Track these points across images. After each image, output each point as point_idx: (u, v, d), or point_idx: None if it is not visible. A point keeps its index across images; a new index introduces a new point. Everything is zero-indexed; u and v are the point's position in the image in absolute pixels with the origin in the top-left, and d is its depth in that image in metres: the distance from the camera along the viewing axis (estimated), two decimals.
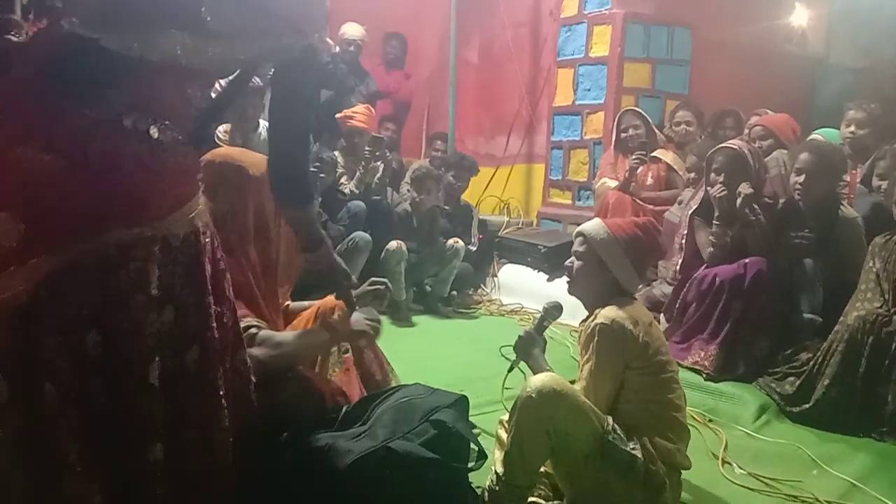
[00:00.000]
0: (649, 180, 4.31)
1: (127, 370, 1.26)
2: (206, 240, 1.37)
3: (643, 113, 4.45)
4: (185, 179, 1.34)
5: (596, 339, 1.83)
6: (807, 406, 2.69)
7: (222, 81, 1.60)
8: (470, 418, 1.87)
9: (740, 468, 2.27)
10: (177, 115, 1.30)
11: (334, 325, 1.83)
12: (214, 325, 1.36)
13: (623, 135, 4.42)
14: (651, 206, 4.11)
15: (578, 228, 2.02)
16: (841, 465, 2.33)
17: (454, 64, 5.80)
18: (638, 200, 4.17)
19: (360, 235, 4.08)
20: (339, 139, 4.73)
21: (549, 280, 4.38)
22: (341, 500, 1.51)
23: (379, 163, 4.57)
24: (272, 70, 1.47)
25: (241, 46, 1.29)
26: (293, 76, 1.43)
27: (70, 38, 1.18)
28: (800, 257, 3.05)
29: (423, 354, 3.39)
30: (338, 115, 4.69)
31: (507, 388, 2.01)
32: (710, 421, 2.66)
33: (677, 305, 3.29)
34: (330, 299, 1.97)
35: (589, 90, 5.02)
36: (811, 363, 2.75)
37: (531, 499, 1.87)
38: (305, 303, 2.07)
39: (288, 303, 2.05)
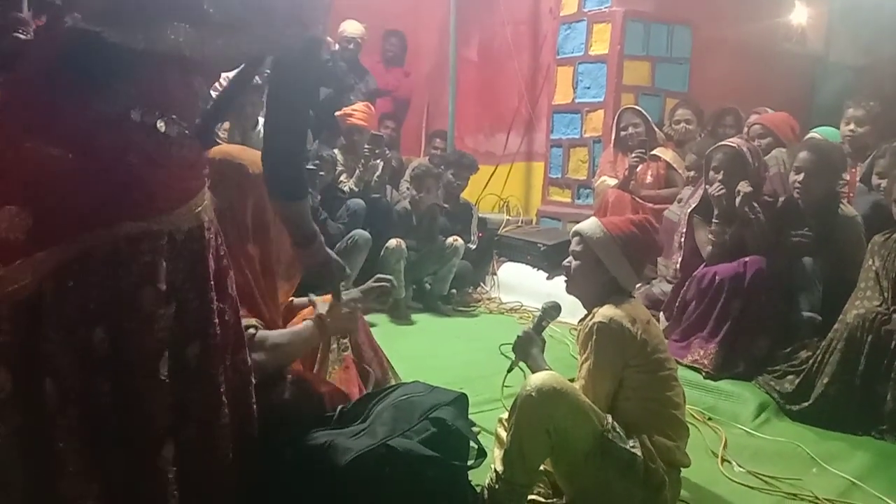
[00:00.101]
0: (649, 178, 4.31)
1: (137, 366, 1.26)
2: (211, 235, 1.37)
3: (643, 111, 4.45)
4: (191, 174, 1.34)
5: (594, 337, 1.84)
6: (806, 404, 2.70)
7: (224, 80, 1.60)
8: (469, 416, 1.87)
9: (740, 466, 2.27)
10: (183, 108, 1.30)
11: (323, 318, 1.82)
12: (216, 321, 1.36)
13: (623, 133, 4.42)
14: (650, 205, 4.11)
15: (575, 228, 2.02)
16: (840, 463, 2.33)
17: (454, 62, 5.80)
18: (637, 199, 4.17)
19: (360, 233, 4.07)
20: (339, 137, 4.73)
21: (548, 278, 4.39)
22: (341, 498, 1.51)
23: (378, 161, 4.57)
24: (272, 62, 1.46)
25: (244, 38, 1.29)
26: (294, 68, 1.42)
27: (74, 33, 1.18)
28: (799, 256, 3.05)
29: (423, 353, 3.39)
30: (337, 113, 4.69)
31: (506, 387, 2.01)
32: (710, 419, 2.66)
33: (677, 304, 3.29)
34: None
35: (588, 88, 5.01)
36: (811, 361, 2.76)
37: (531, 497, 1.87)
38: (307, 299, 2.06)
39: (291, 299, 2.05)
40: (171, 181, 1.29)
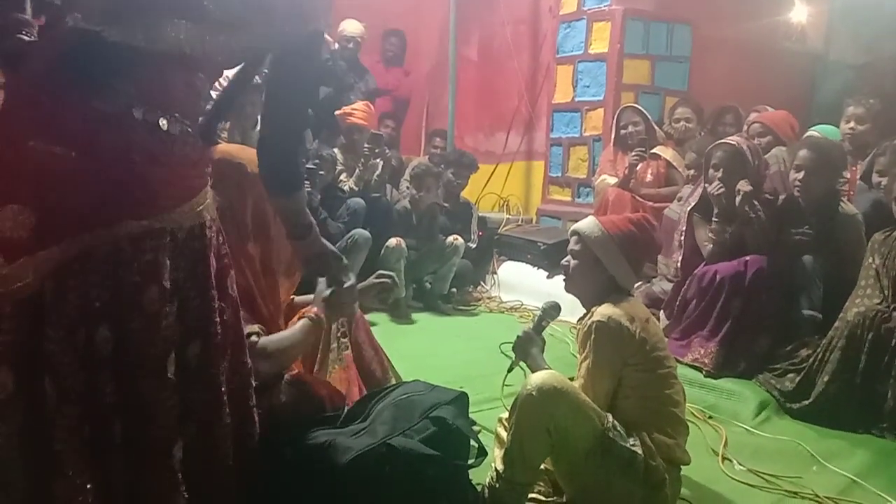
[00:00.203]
0: (649, 177, 4.31)
1: (143, 366, 1.25)
2: (213, 234, 1.37)
3: (643, 109, 4.45)
4: (194, 172, 1.34)
5: (593, 336, 1.84)
6: (806, 402, 2.70)
7: (225, 79, 1.59)
8: (470, 415, 1.87)
9: (740, 464, 2.27)
10: (185, 106, 1.30)
11: (319, 313, 1.81)
12: (217, 320, 1.36)
13: (622, 131, 4.41)
14: (651, 203, 4.11)
15: (573, 227, 2.03)
16: (840, 461, 2.33)
17: (453, 61, 5.80)
18: (637, 197, 4.17)
19: (360, 233, 4.07)
20: (339, 136, 4.73)
21: (548, 277, 4.39)
22: (341, 496, 1.51)
23: (378, 160, 4.57)
24: (272, 56, 1.46)
25: (245, 34, 1.29)
26: (294, 61, 1.42)
27: (75, 33, 1.18)
28: (800, 254, 3.05)
29: (423, 352, 3.39)
30: (337, 112, 4.69)
31: (507, 386, 2.01)
32: (710, 417, 2.66)
33: (677, 302, 3.29)
34: None
35: (588, 87, 5.01)
36: (811, 360, 2.76)
37: (531, 496, 1.87)
38: (310, 297, 2.06)
39: (292, 297, 2.04)
40: (173, 179, 1.29)
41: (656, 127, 4.49)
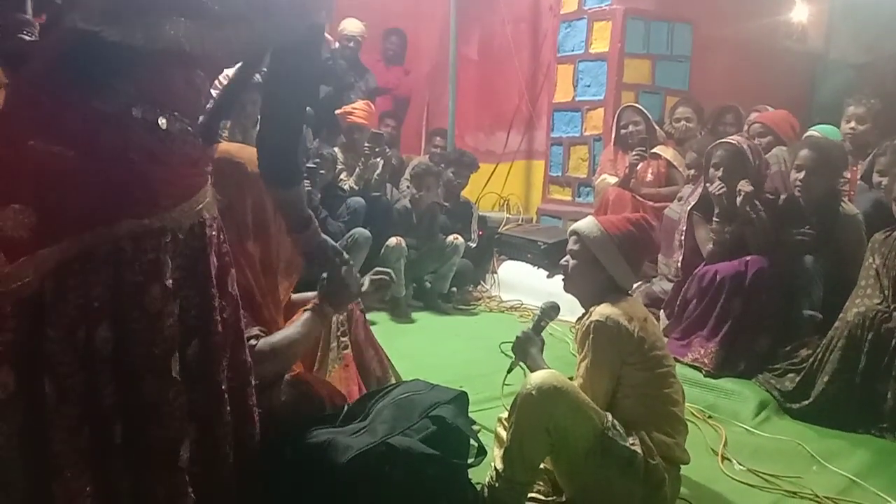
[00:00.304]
0: (649, 177, 4.31)
1: (148, 366, 1.25)
2: (213, 232, 1.37)
3: (643, 109, 4.45)
4: (194, 171, 1.34)
5: (592, 336, 1.84)
6: (806, 402, 2.70)
7: (225, 77, 1.59)
8: (469, 414, 1.87)
9: (740, 464, 2.27)
10: (185, 105, 1.30)
11: (320, 305, 1.81)
12: (218, 318, 1.36)
13: (623, 131, 4.41)
14: (651, 203, 4.11)
15: (572, 227, 2.03)
16: (840, 461, 2.33)
17: (454, 60, 5.79)
18: (638, 197, 4.17)
19: (360, 232, 4.07)
20: (339, 135, 4.73)
21: (548, 276, 4.39)
22: (341, 495, 1.51)
23: (379, 159, 4.57)
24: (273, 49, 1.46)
25: (245, 29, 1.29)
26: (294, 56, 1.42)
27: (74, 33, 1.18)
28: (800, 254, 3.05)
29: (423, 351, 3.39)
30: (337, 112, 4.69)
31: (506, 385, 2.01)
32: (710, 417, 2.66)
33: (678, 302, 3.29)
34: None
35: (589, 86, 5.01)
36: (811, 360, 2.76)
37: (531, 495, 1.87)
38: (309, 294, 2.06)
39: (291, 295, 2.04)
40: (172, 178, 1.29)
41: (657, 126, 4.48)
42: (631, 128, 4.37)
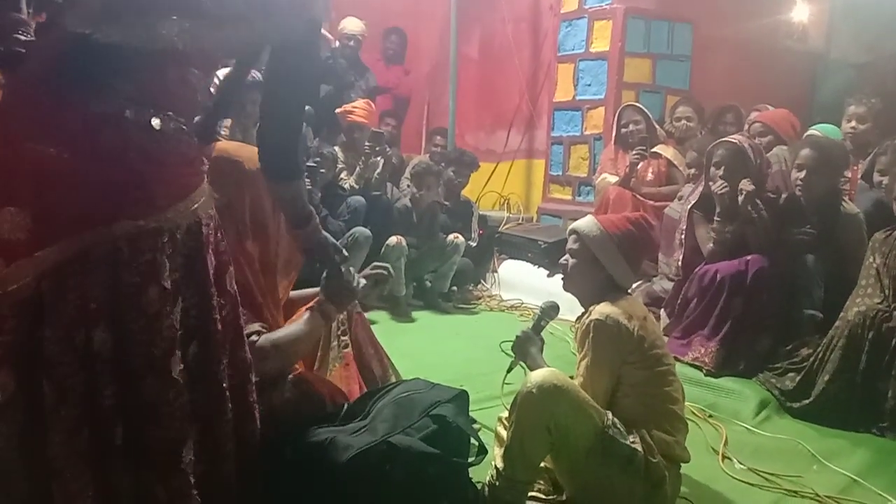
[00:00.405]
0: (650, 176, 4.30)
1: (147, 367, 1.25)
2: (210, 231, 1.37)
3: (644, 108, 4.44)
4: (189, 170, 1.34)
5: (591, 335, 1.84)
6: (807, 401, 2.70)
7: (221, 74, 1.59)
8: (470, 413, 1.87)
9: (740, 463, 2.27)
10: (180, 104, 1.30)
11: (324, 302, 1.81)
12: (217, 317, 1.36)
13: (623, 130, 4.41)
14: (651, 202, 4.11)
15: (571, 226, 2.03)
16: (841, 460, 2.33)
17: (454, 59, 5.79)
18: (638, 196, 4.16)
19: (360, 231, 4.07)
20: (339, 134, 4.73)
21: (549, 276, 4.38)
22: (342, 494, 1.51)
23: (379, 158, 4.56)
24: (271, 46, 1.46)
25: (242, 27, 1.29)
26: (292, 52, 1.42)
27: (69, 34, 1.18)
28: (801, 253, 3.04)
29: (423, 350, 3.39)
30: (338, 111, 4.69)
31: (507, 384, 2.01)
32: (711, 416, 2.66)
33: (678, 301, 3.29)
34: None
35: (589, 85, 5.01)
36: (811, 359, 2.76)
37: (531, 494, 1.87)
38: (308, 291, 2.06)
39: (290, 293, 2.04)
40: (168, 178, 1.29)
41: (657, 126, 4.48)
42: (631, 127, 4.37)
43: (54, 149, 1.19)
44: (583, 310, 1.98)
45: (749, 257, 3.04)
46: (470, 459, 1.73)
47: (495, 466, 1.81)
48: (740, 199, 3.08)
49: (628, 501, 1.78)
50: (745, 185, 3.08)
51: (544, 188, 5.49)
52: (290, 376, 1.77)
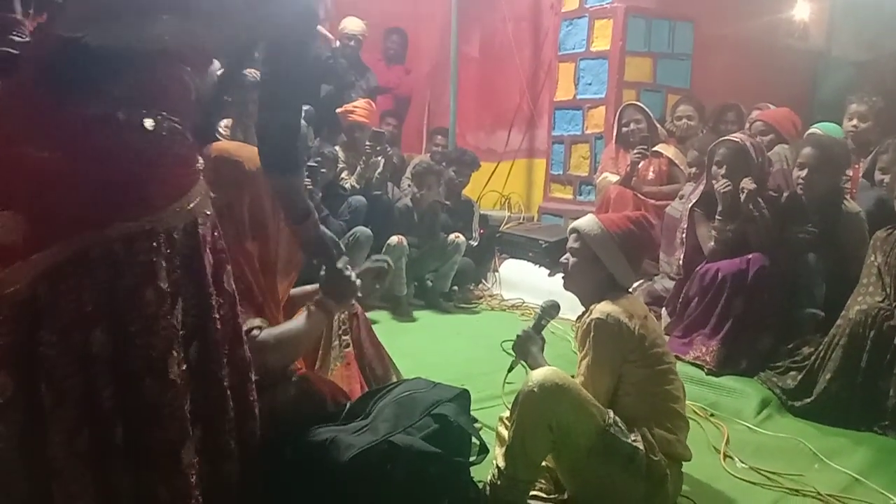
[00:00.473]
0: (651, 175, 4.30)
1: (146, 368, 1.25)
2: (206, 230, 1.37)
3: (644, 107, 4.44)
4: (183, 171, 1.34)
5: (592, 334, 1.84)
6: (808, 400, 2.70)
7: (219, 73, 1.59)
8: (471, 413, 1.87)
9: (742, 462, 2.27)
10: (174, 103, 1.30)
11: (324, 299, 1.81)
12: (216, 316, 1.36)
13: (624, 129, 4.41)
14: (652, 201, 4.10)
15: (572, 225, 2.03)
16: (842, 459, 2.33)
17: (455, 59, 5.79)
18: (639, 195, 4.16)
19: (361, 230, 4.08)
20: (340, 134, 4.73)
21: (550, 275, 4.38)
22: (343, 494, 1.51)
23: (380, 158, 4.57)
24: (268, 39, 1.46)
25: (235, 22, 1.29)
26: (288, 43, 1.42)
27: (61, 37, 1.18)
28: (802, 252, 3.04)
29: (425, 349, 3.39)
30: (338, 110, 4.69)
31: (508, 383, 2.01)
32: (712, 415, 2.66)
33: (679, 300, 3.29)
34: None
35: (590, 84, 5.00)
36: (813, 357, 2.75)
37: (533, 492, 1.87)
38: (308, 287, 2.06)
39: (290, 292, 2.04)
40: (162, 179, 1.29)
41: (658, 124, 4.48)
42: (632, 126, 4.36)
43: (48, 152, 1.20)
44: (583, 309, 1.98)
45: (750, 256, 3.04)
46: (471, 459, 1.73)
47: (497, 465, 1.81)
48: (742, 197, 3.08)
49: (630, 500, 1.78)
50: (747, 183, 3.08)
51: (545, 187, 5.49)
52: (294, 377, 1.77)
